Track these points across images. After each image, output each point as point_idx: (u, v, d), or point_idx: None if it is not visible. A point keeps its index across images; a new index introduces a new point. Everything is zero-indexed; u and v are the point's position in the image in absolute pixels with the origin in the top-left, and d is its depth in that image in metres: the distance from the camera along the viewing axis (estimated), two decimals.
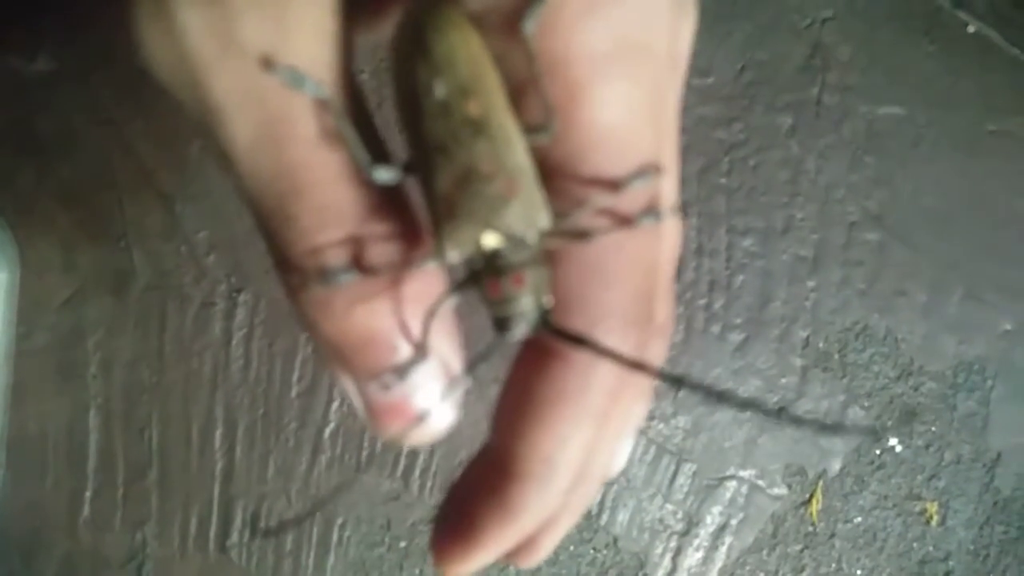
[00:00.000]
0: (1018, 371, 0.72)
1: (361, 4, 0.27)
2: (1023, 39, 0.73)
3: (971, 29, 0.73)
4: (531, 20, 0.24)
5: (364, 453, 0.64)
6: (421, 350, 0.27)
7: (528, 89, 0.25)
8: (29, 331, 0.60)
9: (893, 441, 0.70)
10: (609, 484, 0.66)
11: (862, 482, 0.69)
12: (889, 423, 0.70)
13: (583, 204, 0.25)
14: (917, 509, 0.70)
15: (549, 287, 0.26)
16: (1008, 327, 0.72)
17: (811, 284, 0.70)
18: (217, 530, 0.62)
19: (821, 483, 0.69)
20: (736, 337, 0.68)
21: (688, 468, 0.67)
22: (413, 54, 0.24)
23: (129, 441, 0.62)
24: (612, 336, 0.27)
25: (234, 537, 0.62)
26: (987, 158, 0.73)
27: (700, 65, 0.70)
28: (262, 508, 0.62)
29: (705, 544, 0.67)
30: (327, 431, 0.63)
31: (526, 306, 0.24)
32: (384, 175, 0.25)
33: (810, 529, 0.68)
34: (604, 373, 0.27)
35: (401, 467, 0.64)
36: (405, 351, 0.27)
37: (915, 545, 0.70)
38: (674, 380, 0.24)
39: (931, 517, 0.70)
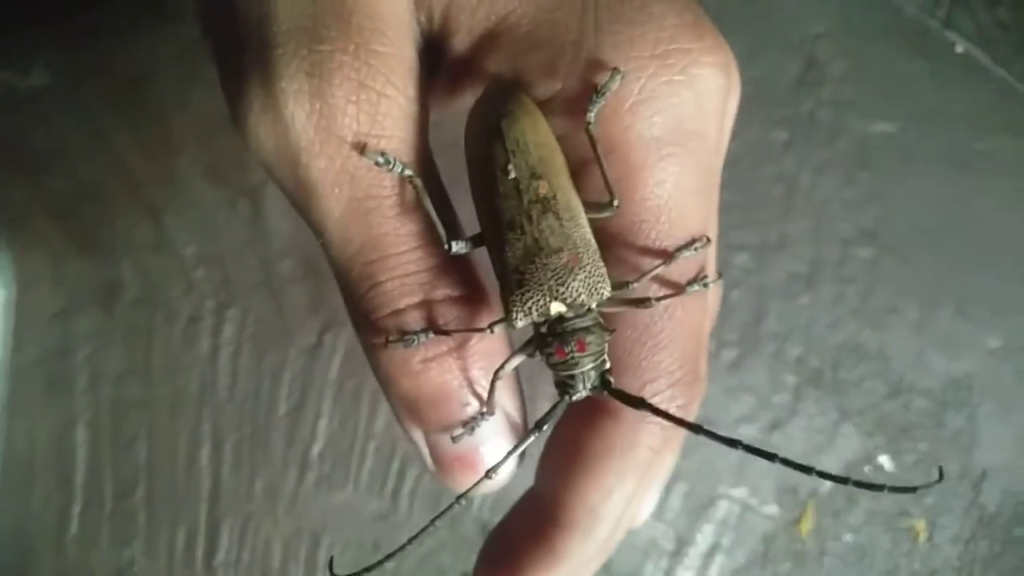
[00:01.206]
0: (1005, 389, 0.72)
1: (435, 88, 0.29)
2: (1009, 60, 0.74)
3: (959, 49, 0.73)
4: (594, 110, 0.26)
5: (352, 472, 0.63)
6: (489, 406, 0.29)
7: (591, 169, 0.27)
8: (19, 345, 0.59)
9: (883, 459, 0.70)
10: None
11: (852, 500, 0.69)
12: (880, 441, 0.70)
13: (639, 273, 0.28)
14: (905, 526, 0.70)
15: (607, 351, 0.28)
16: (996, 344, 0.72)
17: (805, 301, 0.70)
18: (204, 548, 0.61)
19: (812, 502, 0.69)
20: (730, 354, 0.68)
21: (680, 488, 0.67)
22: (489, 137, 0.27)
23: (117, 457, 0.61)
24: (663, 395, 0.28)
25: (221, 555, 0.61)
26: (976, 176, 0.73)
27: None
28: (248, 527, 0.62)
29: (696, 564, 0.67)
30: (315, 449, 0.62)
31: (587, 369, 0.27)
32: (458, 247, 0.27)
33: (800, 547, 0.68)
34: (651, 431, 0.29)
35: (389, 487, 0.64)
36: (474, 408, 0.29)
37: (903, 562, 0.70)
38: (720, 438, 0.28)
39: (918, 534, 0.70)
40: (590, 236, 0.27)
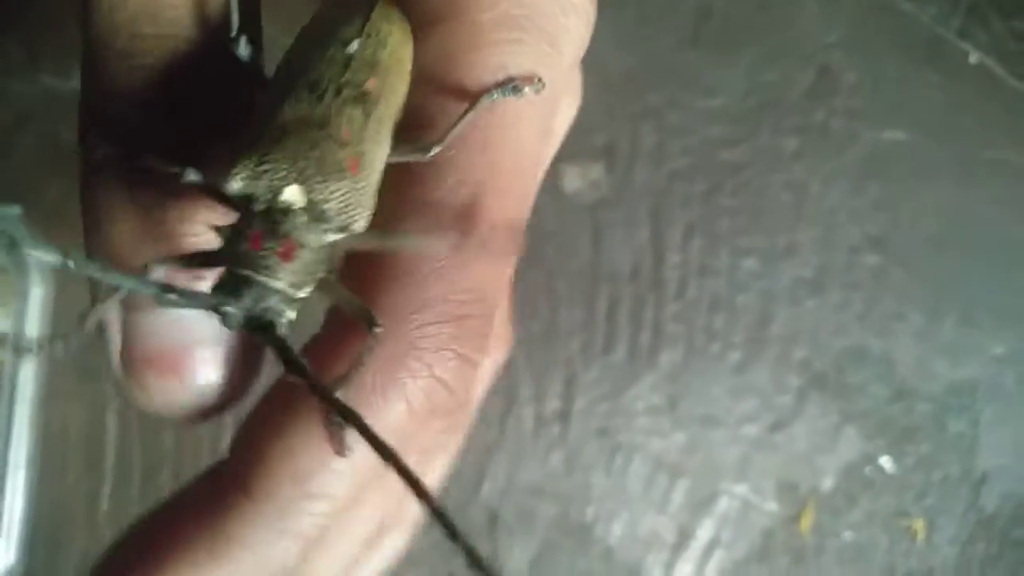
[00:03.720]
0: (1007, 394, 0.73)
1: None
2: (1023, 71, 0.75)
3: (973, 60, 0.74)
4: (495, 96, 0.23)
5: None
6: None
7: (427, 110, 0.23)
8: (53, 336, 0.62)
9: (884, 460, 0.72)
10: (605, 496, 0.68)
11: (852, 499, 0.71)
12: (881, 443, 0.72)
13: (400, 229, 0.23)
14: (904, 525, 0.72)
15: (312, 292, 0.22)
16: (999, 351, 0.74)
17: (811, 306, 0.71)
18: None
19: (812, 499, 0.71)
20: (735, 356, 0.70)
21: (683, 483, 0.69)
22: (356, 4, 0.23)
23: (145, 441, 0.64)
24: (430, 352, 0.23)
25: None
26: (984, 186, 0.74)
27: (708, 85, 0.72)
28: None
29: (696, 556, 0.69)
30: None
31: (273, 286, 0.20)
32: (244, 50, 0.22)
33: (800, 544, 0.70)
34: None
35: None
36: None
37: (900, 561, 0.72)
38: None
39: (917, 533, 0.72)
40: (381, 165, 0.22)
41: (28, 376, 0.59)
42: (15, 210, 0.59)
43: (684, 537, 0.69)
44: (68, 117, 0.63)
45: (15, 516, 0.59)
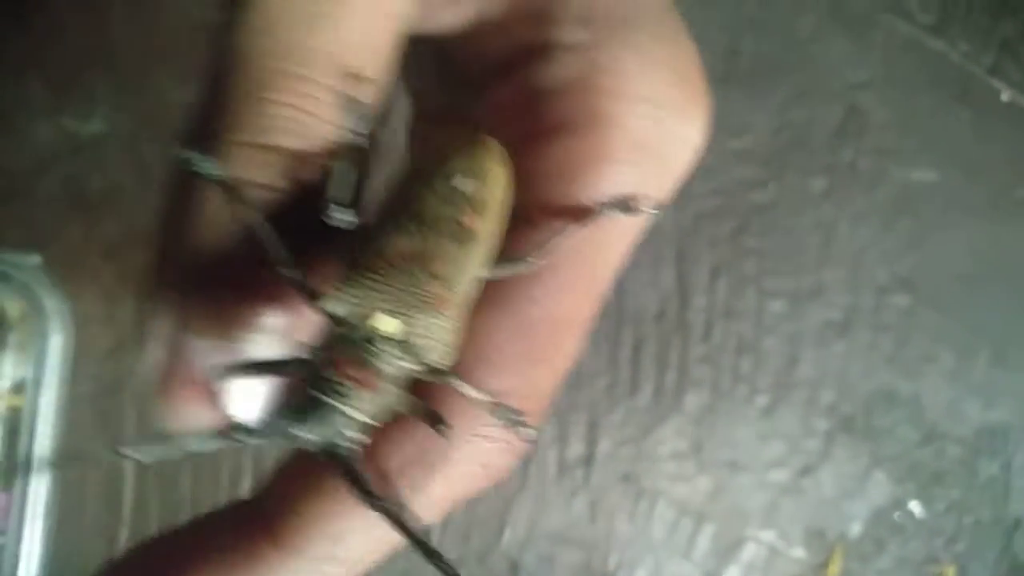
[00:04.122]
0: None
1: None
2: None
3: (1005, 97, 0.73)
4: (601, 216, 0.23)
5: None
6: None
7: (535, 216, 0.24)
8: (76, 380, 0.62)
9: (913, 504, 0.71)
10: (629, 543, 0.67)
11: (881, 545, 0.70)
12: (911, 487, 0.71)
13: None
14: (935, 572, 0.71)
15: (383, 423, 0.21)
16: None
17: (839, 348, 0.70)
18: None
19: (840, 546, 0.69)
20: (762, 400, 0.69)
21: (708, 529, 0.68)
22: (457, 141, 0.23)
23: (163, 487, 0.63)
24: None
25: None
26: (1016, 224, 0.73)
27: (736, 125, 0.71)
28: None
29: None
30: None
31: (348, 414, 0.20)
32: (340, 218, 0.22)
33: None
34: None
35: None
36: (264, 325, 0.22)
37: None
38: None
39: None
40: (469, 302, 0.22)
41: (48, 422, 0.59)
42: (35, 259, 0.59)
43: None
44: (90, 161, 0.64)
45: (33, 561, 0.59)
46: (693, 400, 0.68)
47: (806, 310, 0.70)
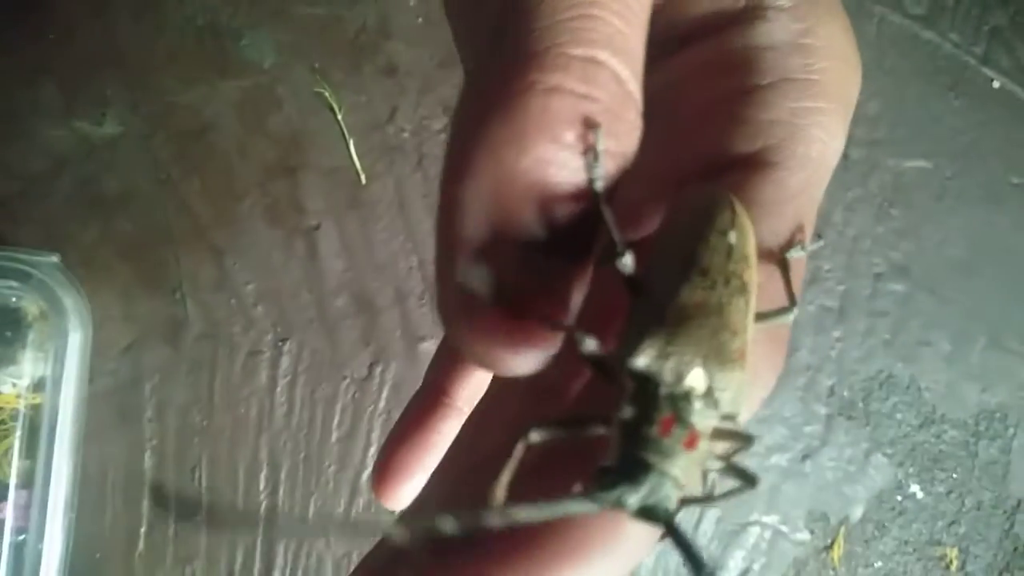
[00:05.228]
0: None
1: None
2: None
3: (996, 84, 0.75)
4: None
5: None
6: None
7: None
8: (92, 377, 0.64)
9: (914, 487, 0.72)
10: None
11: (883, 528, 0.71)
12: (911, 470, 0.72)
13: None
14: (937, 554, 0.72)
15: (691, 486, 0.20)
16: None
17: (837, 334, 0.71)
18: (261, 567, 0.65)
19: (843, 529, 0.70)
20: None
21: (712, 514, 0.69)
22: (714, 201, 0.23)
23: (181, 481, 0.65)
24: None
25: (276, 573, 0.65)
26: (1011, 210, 0.74)
27: None
28: (302, 548, 0.65)
29: None
30: (364, 475, 0.66)
31: (671, 472, 0.19)
32: (627, 263, 0.21)
33: (831, 574, 0.70)
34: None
35: None
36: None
37: None
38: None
39: (951, 562, 0.72)
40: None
41: (68, 417, 0.61)
42: (53, 257, 0.60)
43: (716, 569, 0.69)
44: (103, 163, 0.66)
45: (55, 556, 0.60)
46: None
47: (804, 297, 0.71)
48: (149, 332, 0.65)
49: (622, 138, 0.21)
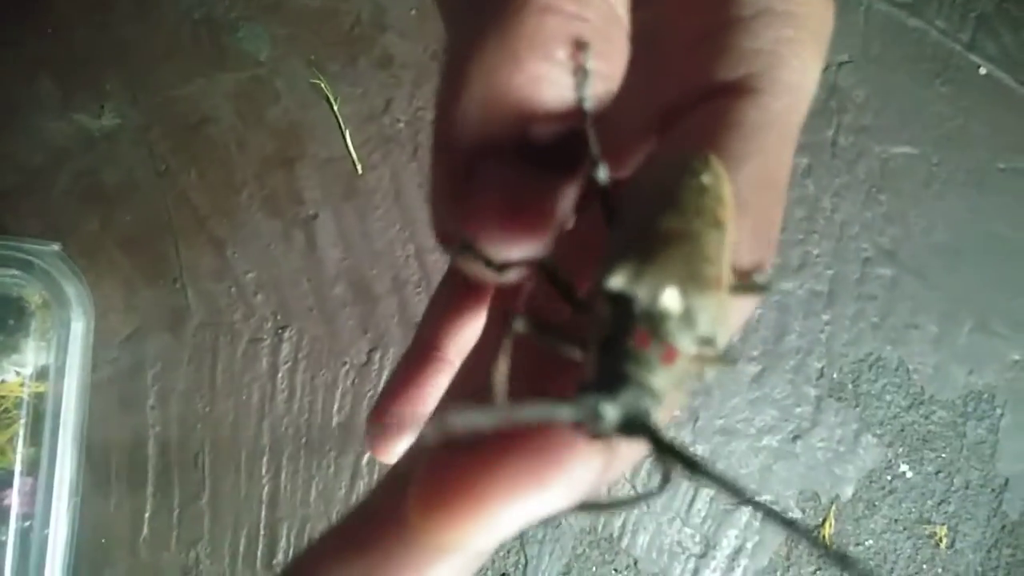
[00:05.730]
0: None
1: None
2: None
3: (983, 71, 0.76)
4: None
5: None
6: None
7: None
8: (95, 365, 0.65)
9: (904, 467, 0.73)
10: (630, 509, 0.70)
11: (873, 506, 0.72)
12: (900, 450, 0.73)
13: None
14: (927, 533, 0.73)
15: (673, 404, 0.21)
16: (1016, 357, 0.75)
17: (826, 317, 0.73)
18: (264, 550, 0.66)
19: (834, 507, 0.72)
20: (753, 368, 0.72)
21: (705, 493, 0.70)
22: (690, 156, 0.22)
23: (184, 466, 0.66)
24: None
25: (279, 556, 0.67)
26: (997, 195, 0.75)
27: None
28: (305, 530, 0.67)
29: (722, 566, 0.70)
30: (365, 458, 0.67)
31: (656, 384, 0.19)
32: (601, 176, 0.22)
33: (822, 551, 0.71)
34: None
35: None
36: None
37: (924, 567, 0.73)
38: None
39: (940, 540, 0.73)
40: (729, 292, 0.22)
41: (71, 405, 0.62)
42: (54, 246, 0.61)
43: (708, 547, 0.70)
44: (103, 155, 0.67)
45: (60, 541, 0.61)
46: None
47: (793, 281, 0.72)
48: (151, 321, 0.66)
49: (610, 59, 0.22)
